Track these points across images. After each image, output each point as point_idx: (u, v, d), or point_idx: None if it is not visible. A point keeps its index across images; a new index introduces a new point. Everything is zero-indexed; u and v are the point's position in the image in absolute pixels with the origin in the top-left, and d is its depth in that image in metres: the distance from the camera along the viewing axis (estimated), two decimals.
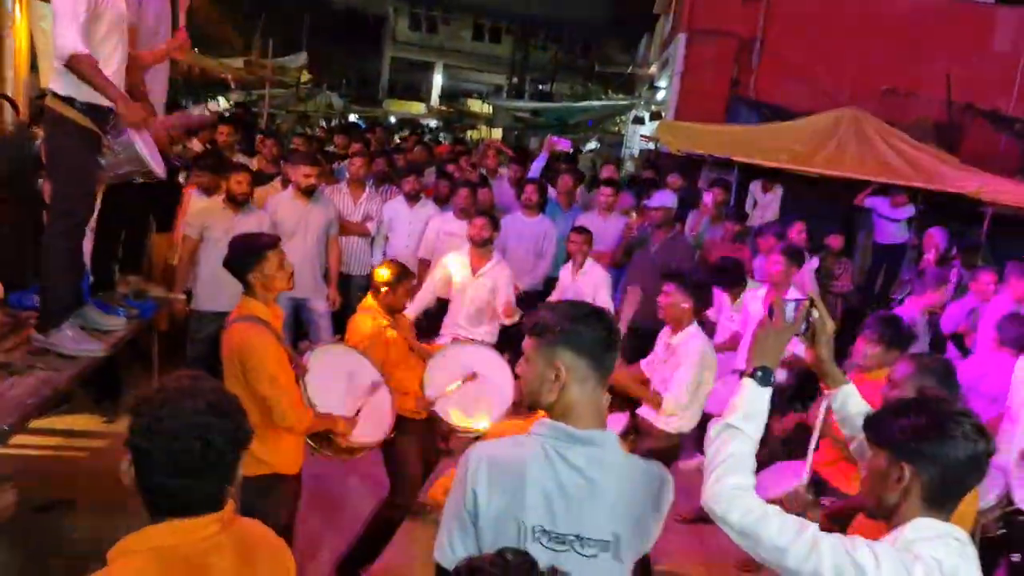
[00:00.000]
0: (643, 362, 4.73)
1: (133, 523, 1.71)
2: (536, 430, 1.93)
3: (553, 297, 6.08)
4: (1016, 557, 4.01)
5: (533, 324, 1.97)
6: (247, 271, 3.38)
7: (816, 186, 8.83)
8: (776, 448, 4.51)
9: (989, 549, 3.92)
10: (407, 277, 4.34)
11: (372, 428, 3.78)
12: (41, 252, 3.89)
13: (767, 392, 2.02)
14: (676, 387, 4.23)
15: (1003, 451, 4.00)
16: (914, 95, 11.09)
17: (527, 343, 1.98)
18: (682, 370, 4.24)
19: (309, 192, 6.12)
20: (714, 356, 4.41)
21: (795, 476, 3.71)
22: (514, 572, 1.40)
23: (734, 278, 6.09)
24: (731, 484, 1.87)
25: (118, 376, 5.82)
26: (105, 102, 3.69)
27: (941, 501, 1.88)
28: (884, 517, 1.94)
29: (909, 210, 8.92)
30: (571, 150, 10.40)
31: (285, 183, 6.79)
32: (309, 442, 3.62)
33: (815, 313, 2.19)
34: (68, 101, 3.61)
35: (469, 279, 5.54)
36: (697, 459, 4.78)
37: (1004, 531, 3.86)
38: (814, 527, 1.82)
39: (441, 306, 5.79)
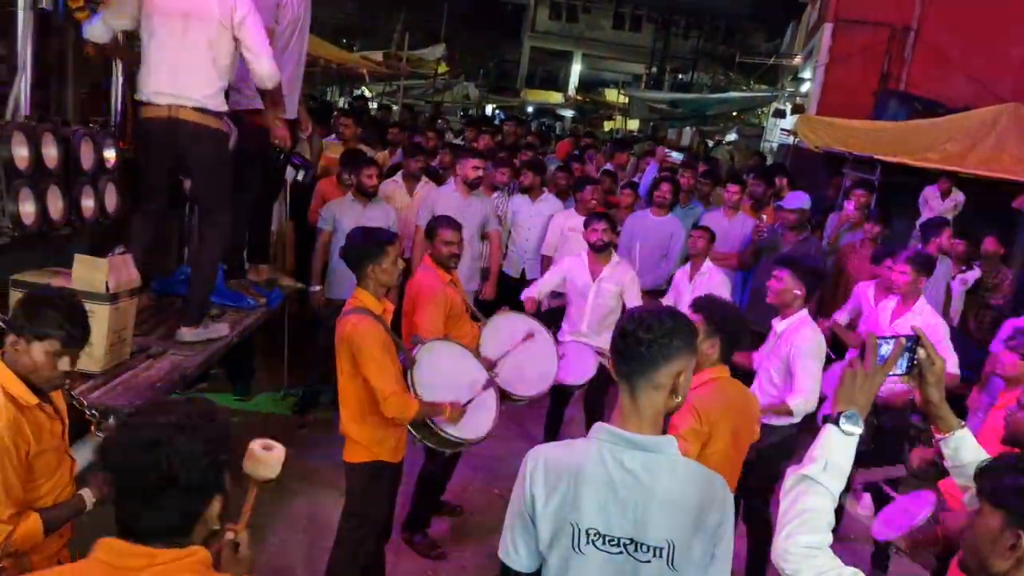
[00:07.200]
0: (754, 354, 4.64)
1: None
2: (594, 434, 1.93)
3: (668, 298, 5.87)
4: None
5: None
6: (364, 264, 3.49)
7: (971, 188, 8.22)
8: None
9: None
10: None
11: (476, 424, 3.80)
12: (199, 251, 4.22)
13: (852, 440, 1.81)
14: (802, 383, 4.09)
15: None
16: None
17: None
18: (801, 364, 4.11)
19: (474, 186, 6.21)
20: (824, 346, 4.26)
21: (921, 508, 3.48)
22: None
23: None
24: (804, 542, 1.75)
25: (251, 360, 6.12)
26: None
27: None
28: None
29: None
30: (679, 163, 10.20)
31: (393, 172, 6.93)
32: (412, 431, 3.67)
33: (921, 352, 1.95)
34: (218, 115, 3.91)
35: (589, 284, 5.34)
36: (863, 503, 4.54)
37: None
38: None
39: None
